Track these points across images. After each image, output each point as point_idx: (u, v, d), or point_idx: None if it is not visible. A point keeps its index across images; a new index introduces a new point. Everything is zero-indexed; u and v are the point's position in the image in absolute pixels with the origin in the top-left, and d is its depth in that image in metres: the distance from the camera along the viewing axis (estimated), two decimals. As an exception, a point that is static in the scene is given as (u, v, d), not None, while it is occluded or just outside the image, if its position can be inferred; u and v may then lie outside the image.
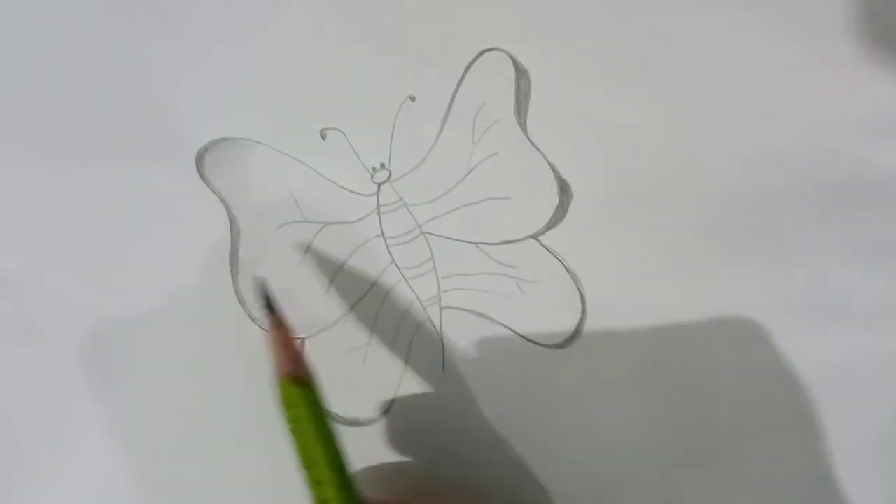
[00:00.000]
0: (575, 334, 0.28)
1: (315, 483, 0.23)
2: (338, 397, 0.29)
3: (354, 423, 0.29)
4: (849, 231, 0.27)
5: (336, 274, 0.29)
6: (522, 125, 0.28)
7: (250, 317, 0.29)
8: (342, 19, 0.28)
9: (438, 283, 0.29)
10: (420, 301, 0.29)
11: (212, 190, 0.28)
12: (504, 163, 0.28)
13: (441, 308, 0.29)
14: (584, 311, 0.28)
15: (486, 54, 0.28)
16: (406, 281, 0.29)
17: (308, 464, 0.23)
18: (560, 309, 0.28)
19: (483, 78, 0.28)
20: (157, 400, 0.29)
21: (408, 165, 0.28)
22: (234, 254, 0.29)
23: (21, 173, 0.29)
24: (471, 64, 0.28)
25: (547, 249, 0.28)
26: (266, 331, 0.26)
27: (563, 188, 0.28)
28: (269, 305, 0.26)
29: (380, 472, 0.29)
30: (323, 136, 0.28)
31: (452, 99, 0.28)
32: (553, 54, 0.27)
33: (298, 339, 0.27)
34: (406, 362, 0.29)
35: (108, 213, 0.29)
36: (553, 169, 0.28)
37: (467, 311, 0.29)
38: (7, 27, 0.28)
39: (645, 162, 0.28)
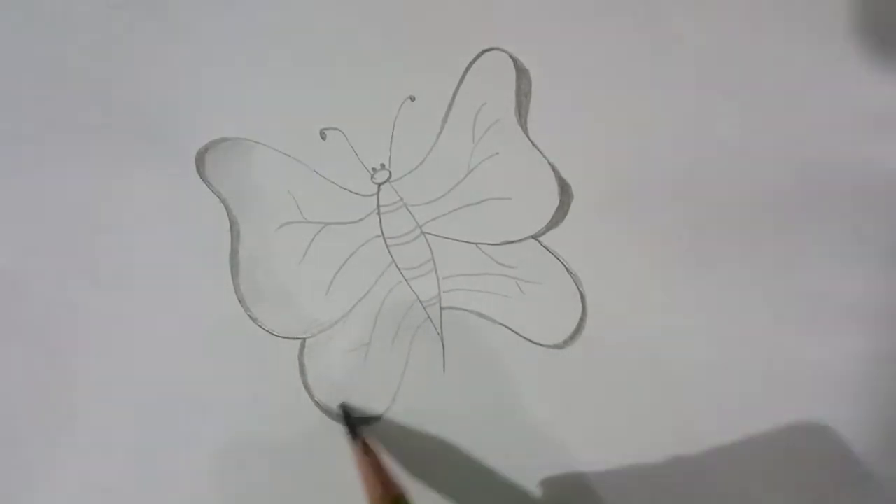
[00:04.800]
0: (575, 334, 0.28)
1: None
2: (338, 397, 0.29)
3: (355, 423, 0.29)
4: (849, 232, 0.27)
5: (336, 274, 0.29)
6: (523, 125, 0.28)
7: (250, 316, 0.29)
8: (342, 19, 0.28)
9: (439, 284, 0.29)
10: (420, 301, 0.29)
11: (212, 190, 0.28)
12: (504, 163, 0.28)
13: (441, 308, 0.29)
14: (584, 312, 0.28)
15: (487, 54, 0.27)
16: (406, 281, 0.29)
17: None
18: (560, 309, 0.28)
19: (483, 78, 0.28)
20: (157, 398, 0.29)
21: (408, 166, 0.28)
22: (234, 254, 0.29)
23: (21, 173, 0.29)
24: (471, 64, 0.28)
25: (547, 250, 0.28)
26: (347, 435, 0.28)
27: (564, 188, 0.28)
28: (353, 430, 0.28)
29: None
30: (323, 137, 0.28)
31: (452, 99, 0.28)
32: (553, 54, 0.27)
33: (379, 456, 0.28)
34: (406, 362, 0.29)
35: (109, 212, 0.29)
36: (553, 169, 0.28)
37: (468, 311, 0.29)
38: (6, 28, 0.28)
39: (645, 162, 0.28)
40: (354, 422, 0.28)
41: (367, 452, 0.27)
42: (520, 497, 0.29)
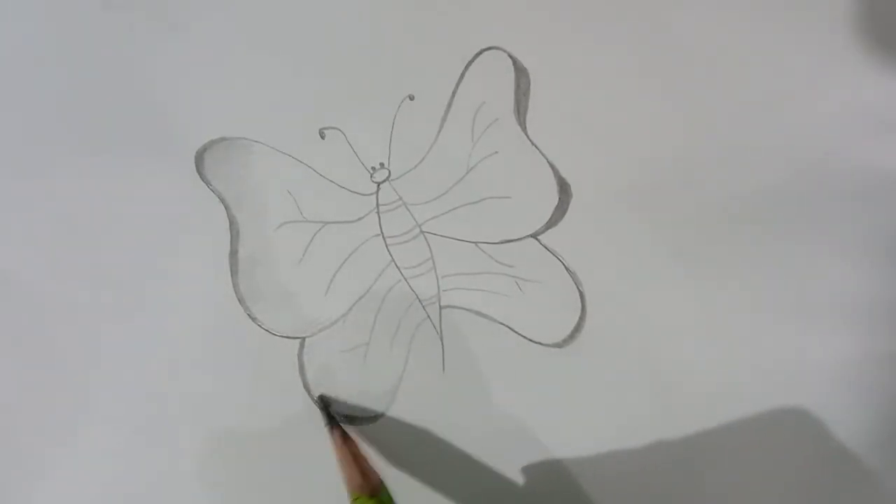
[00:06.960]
0: (574, 333, 0.28)
1: None
2: (338, 397, 0.29)
3: (354, 422, 0.29)
4: (848, 231, 0.27)
5: (335, 273, 0.29)
6: (522, 124, 0.28)
7: (249, 316, 0.29)
8: (341, 19, 0.28)
9: (438, 283, 0.29)
10: (420, 300, 0.29)
11: (211, 190, 0.28)
12: (503, 162, 0.28)
13: (441, 307, 0.29)
14: (583, 311, 0.28)
15: (486, 53, 0.28)
16: (406, 280, 0.29)
17: None
18: (560, 308, 0.28)
19: (482, 77, 0.28)
20: (157, 398, 0.29)
21: (407, 165, 0.28)
22: (233, 254, 0.29)
23: (21, 174, 0.29)
24: (470, 63, 0.28)
25: (547, 249, 0.28)
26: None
27: (563, 187, 0.28)
28: (331, 421, 0.28)
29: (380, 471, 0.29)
30: (322, 136, 0.28)
31: (452, 98, 0.28)
32: (553, 54, 0.27)
33: (359, 449, 0.28)
34: (406, 361, 0.29)
35: (108, 213, 0.29)
36: (553, 168, 0.28)
37: (467, 310, 0.29)
38: (7, 29, 0.28)
39: (645, 161, 0.28)
40: (332, 412, 0.29)
41: (345, 441, 0.27)
42: (519, 495, 0.29)
